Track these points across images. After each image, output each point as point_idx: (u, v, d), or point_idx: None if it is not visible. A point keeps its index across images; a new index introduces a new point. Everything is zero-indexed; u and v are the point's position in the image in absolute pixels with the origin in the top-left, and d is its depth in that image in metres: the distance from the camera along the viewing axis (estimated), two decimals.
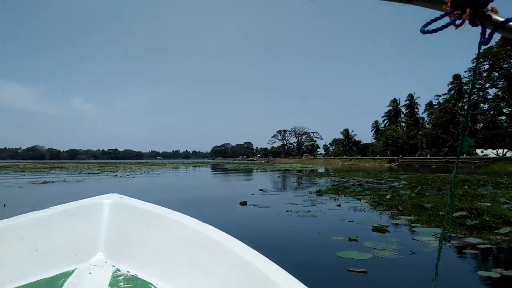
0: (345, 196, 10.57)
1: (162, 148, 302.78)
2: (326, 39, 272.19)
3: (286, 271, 1.22)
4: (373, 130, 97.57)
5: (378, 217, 6.97)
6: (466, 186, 12.16)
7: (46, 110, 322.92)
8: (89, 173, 27.70)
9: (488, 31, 0.66)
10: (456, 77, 61.31)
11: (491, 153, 60.57)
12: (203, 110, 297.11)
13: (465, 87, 51.98)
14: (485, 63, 46.92)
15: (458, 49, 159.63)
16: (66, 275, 1.60)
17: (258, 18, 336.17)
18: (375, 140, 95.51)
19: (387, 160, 55.65)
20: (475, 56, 0.75)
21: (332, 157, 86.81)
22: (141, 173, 27.79)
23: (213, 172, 32.09)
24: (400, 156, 57.49)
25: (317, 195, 11.03)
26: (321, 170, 35.79)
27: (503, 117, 59.04)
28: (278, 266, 1.27)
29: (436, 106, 70.15)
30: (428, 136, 67.07)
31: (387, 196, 9.64)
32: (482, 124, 65.76)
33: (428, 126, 73.19)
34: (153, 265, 1.69)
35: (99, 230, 1.92)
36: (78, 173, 27.84)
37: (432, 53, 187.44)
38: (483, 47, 0.63)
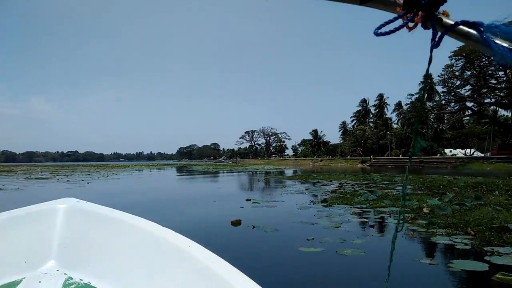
0: (361, 208, 8.04)
1: (125, 150, 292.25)
2: (294, 40, 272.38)
3: (249, 277, 1.19)
4: (341, 131, 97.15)
5: (462, 252, 4.40)
6: (497, 193, 10.06)
7: (3, 110, 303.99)
8: (37, 178, 23.91)
9: (439, 34, 0.66)
10: (427, 76, 61.26)
11: (459, 153, 60.90)
12: (168, 111, 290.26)
13: (443, 87, 51.07)
14: (459, 62, 46.38)
15: (428, 50, 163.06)
16: (12, 285, 1.55)
17: (225, 18, 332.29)
18: (342, 141, 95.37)
19: (359, 161, 54.38)
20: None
21: (302, 157, 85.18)
22: (98, 177, 24.37)
23: (181, 176, 28.97)
24: (372, 156, 56.37)
25: (324, 206, 8.52)
26: (291, 171, 33.64)
27: (467, 118, 59.55)
28: (239, 271, 1.24)
29: (407, 105, 70.02)
30: (397, 136, 66.82)
31: (425, 210, 7.21)
32: (449, 125, 66.43)
33: (397, 126, 73.06)
34: (108, 272, 1.64)
35: (51, 237, 1.86)
36: (25, 178, 24.02)
37: (402, 54, 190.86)
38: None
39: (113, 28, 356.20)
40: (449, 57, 45.90)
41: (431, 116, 58.65)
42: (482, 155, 55.16)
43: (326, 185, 15.28)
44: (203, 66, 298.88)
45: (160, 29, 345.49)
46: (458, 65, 46.34)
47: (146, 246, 1.63)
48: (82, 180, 21.04)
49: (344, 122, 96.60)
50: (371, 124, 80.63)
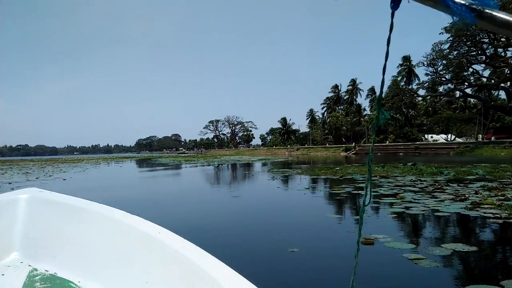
0: None
1: (80, 142, 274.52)
2: (261, 25, 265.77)
3: (220, 260, 1.18)
4: (309, 119, 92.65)
5: None
6: None
7: None
8: None
9: None
10: (406, 58, 57.18)
11: (441, 138, 57.68)
12: (125, 101, 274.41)
13: (427, 67, 46.67)
14: (447, 40, 42.20)
15: (407, 32, 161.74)
16: None
17: (187, 5, 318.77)
18: (309, 129, 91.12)
19: (341, 149, 49.45)
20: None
21: (275, 147, 79.51)
22: (37, 178, 17.06)
23: (151, 173, 22.07)
24: (355, 143, 51.62)
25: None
26: (278, 162, 27.86)
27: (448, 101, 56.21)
28: (210, 255, 1.23)
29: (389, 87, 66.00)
30: (374, 122, 62.63)
31: None
32: (422, 111, 63.30)
33: (372, 112, 68.96)
34: (75, 262, 1.62)
35: (13, 228, 1.82)
36: None
37: (376, 38, 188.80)
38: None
39: (62, 14, 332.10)
40: (439, 33, 41.60)
41: (419, 100, 54.39)
42: (461, 140, 52.40)
43: (351, 179, 9.45)
44: (161, 55, 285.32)
45: (114, 13, 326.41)
46: (447, 43, 42.23)
47: (113, 234, 1.59)
48: (10, 183, 13.90)
49: (311, 110, 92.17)
50: (342, 111, 76.18)
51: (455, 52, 43.33)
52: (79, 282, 1.50)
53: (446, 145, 38.11)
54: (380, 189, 8.54)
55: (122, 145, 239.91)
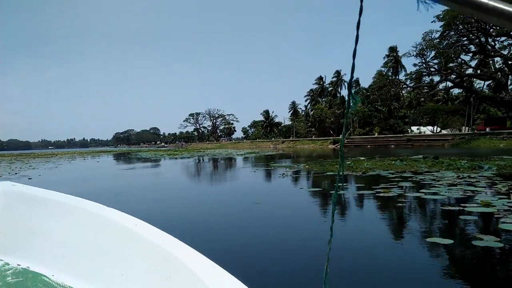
0: None
1: (54, 137, 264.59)
2: (243, 17, 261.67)
3: (199, 251, 1.17)
4: (291, 111, 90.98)
5: None
6: None
7: None
8: None
9: None
10: (392, 49, 55.91)
11: (427, 130, 56.94)
12: (102, 94, 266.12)
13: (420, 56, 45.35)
14: (438, 30, 40.95)
15: (391, 24, 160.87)
16: None
17: None
18: (291, 122, 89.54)
19: (330, 141, 47.83)
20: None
21: (258, 140, 77.45)
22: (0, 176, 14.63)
23: (132, 170, 19.63)
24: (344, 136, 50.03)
25: None
26: (255, 156, 25.89)
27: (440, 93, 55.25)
28: (187, 245, 1.22)
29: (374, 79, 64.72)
30: (359, 115, 61.42)
31: None
32: (406, 103, 62.52)
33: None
34: (49, 256, 1.59)
35: None
36: None
37: (364, 30, 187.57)
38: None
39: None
40: (432, 21, 40.26)
41: (409, 91, 53.08)
42: (446, 132, 51.77)
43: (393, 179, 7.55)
44: (139, 48, 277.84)
45: (93, 4, 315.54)
46: (437, 32, 41.02)
47: (88, 227, 1.56)
48: None
49: (293, 102, 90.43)
50: (326, 104, 74.60)
51: (445, 42, 42.19)
52: (52, 275, 1.47)
53: (439, 137, 36.97)
54: (452, 191, 6.59)
55: (99, 139, 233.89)
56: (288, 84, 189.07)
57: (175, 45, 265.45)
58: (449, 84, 46.63)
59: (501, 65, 37.77)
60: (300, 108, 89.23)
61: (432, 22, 39.82)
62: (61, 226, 1.66)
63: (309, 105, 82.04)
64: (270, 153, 32.79)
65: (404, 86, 49.97)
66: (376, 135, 48.93)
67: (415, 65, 48.39)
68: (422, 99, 62.82)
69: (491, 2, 0.41)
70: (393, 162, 13.91)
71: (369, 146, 41.15)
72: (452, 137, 34.76)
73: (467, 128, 50.46)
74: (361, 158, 17.89)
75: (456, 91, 68.78)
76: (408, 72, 50.31)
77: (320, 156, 24.27)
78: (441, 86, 47.81)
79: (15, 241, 1.71)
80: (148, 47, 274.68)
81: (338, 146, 34.52)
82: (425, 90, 50.72)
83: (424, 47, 43.89)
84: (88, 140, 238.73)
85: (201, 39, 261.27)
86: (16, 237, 1.73)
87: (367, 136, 47.62)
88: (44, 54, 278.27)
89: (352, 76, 0.64)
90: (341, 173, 0.68)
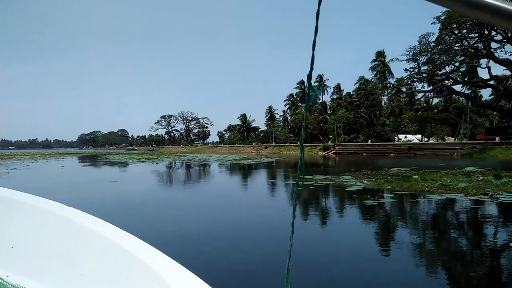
0: None
1: (15, 136, 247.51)
2: (217, 20, 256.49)
3: (159, 249, 1.14)
4: (267, 116, 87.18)
5: None
6: None
7: None
8: None
9: None
10: (380, 54, 53.20)
11: (415, 138, 54.54)
12: (67, 93, 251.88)
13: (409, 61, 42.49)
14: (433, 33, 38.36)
15: (379, 28, 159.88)
16: None
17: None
18: (266, 127, 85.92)
19: (319, 148, 44.11)
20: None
21: (237, 144, 72.79)
22: None
23: (123, 178, 14.82)
24: (335, 142, 46.52)
25: None
26: (252, 164, 21.74)
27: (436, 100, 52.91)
28: (149, 245, 1.19)
29: (357, 86, 61.94)
30: (344, 121, 58.32)
31: None
32: (389, 110, 60.15)
33: (341, 110, 64.54)
34: (2, 256, 1.52)
35: None
36: None
37: (344, 32, 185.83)
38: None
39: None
40: (432, 23, 37.56)
41: (403, 97, 50.19)
42: (433, 141, 49.56)
43: None
44: (107, 45, 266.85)
45: (63, 1, 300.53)
46: (434, 36, 38.51)
47: (47, 226, 1.50)
48: None
49: (270, 107, 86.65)
50: (303, 109, 71.33)
51: (439, 47, 39.68)
52: (7, 277, 1.40)
53: (446, 146, 33.78)
54: None
55: (63, 140, 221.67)
56: (264, 89, 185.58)
57: (146, 45, 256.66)
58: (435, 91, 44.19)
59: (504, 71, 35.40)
60: (277, 113, 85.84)
61: (432, 23, 37.03)
62: (15, 225, 1.59)
63: (288, 110, 78.65)
64: (265, 160, 28.46)
65: (395, 91, 47.02)
66: (369, 142, 45.67)
67: (406, 70, 45.80)
68: (404, 107, 60.84)
69: None
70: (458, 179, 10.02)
71: (364, 154, 37.77)
72: (460, 146, 31.69)
73: (458, 137, 48.46)
74: (389, 170, 13.95)
75: (435, 100, 67.84)
76: (399, 77, 47.61)
77: (321, 164, 20.22)
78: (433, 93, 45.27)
79: None
80: (117, 47, 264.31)
81: (329, 153, 30.61)
82: (419, 96, 48.08)
83: (418, 51, 41.26)
84: (52, 140, 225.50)
85: (174, 40, 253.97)
86: None
87: (362, 143, 44.32)
88: (5, 50, 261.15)
89: (311, 68, 0.61)
90: (300, 173, 0.67)
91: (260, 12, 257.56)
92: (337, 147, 41.97)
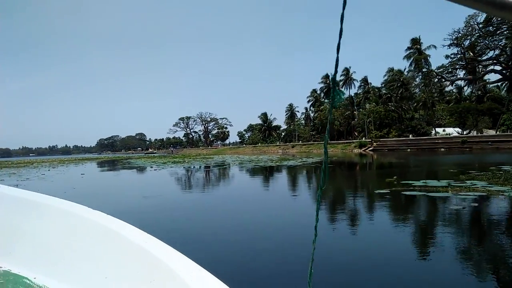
0: None
1: (36, 143, 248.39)
2: (235, 22, 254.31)
3: (181, 252, 1.15)
4: (288, 114, 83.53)
5: None
6: None
7: None
8: None
9: None
10: (415, 41, 48.96)
11: (454, 132, 50.20)
12: (85, 100, 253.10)
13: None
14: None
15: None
16: None
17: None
18: (286, 125, 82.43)
19: (354, 145, 40.47)
20: None
21: (260, 144, 69.56)
22: None
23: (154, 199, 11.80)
24: (372, 138, 42.73)
25: None
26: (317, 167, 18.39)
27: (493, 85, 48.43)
28: (172, 248, 1.20)
29: (385, 78, 57.78)
30: (375, 115, 54.30)
31: None
32: (421, 102, 55.82)
33: (369, 104, 60.47)
34: (31, 258, 1.55)
35: None
36: None
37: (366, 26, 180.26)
38: None
39: (16, 3, 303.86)
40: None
41: (442, 83, 45.95)
42: (473, 134, 45.32)
43: None
44: (123, 51, 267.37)
45: (73, 8, 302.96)
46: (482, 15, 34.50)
47: (72, 229, 1.53)
48: None
49: (291, 105, 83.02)
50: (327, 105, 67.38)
51: (487, 29, 35.58)
52: (34, 278, 1.43)
53: (509, 138, 29.33)
54: None
55: (82, 146, 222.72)
56: (284, 87, 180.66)
57: (163, 49, 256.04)
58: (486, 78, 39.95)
59: None
60: (298, 111, 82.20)
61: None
62: (44, 228, 1.61)
63: (311, 106, 74.89)
64: (309, 160, 25.11)
65: (439, 79, 42.93)
66: (410, 137, 41.73)
67: (447, 56, 41.77)
68: (436, 99, 56.37)
69: None
70: None
71: (409, 150, 34.05)
72: None
73: (501, 129, 44.03)
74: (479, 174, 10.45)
75: (467, 91, 63.01)
76: (436, 66, 43.51)
77: (382, 165, 16.88)
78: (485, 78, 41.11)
79: None
80: (134, 52, 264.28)
81: (367, 150, 26.84)
82: (451, 87, 43.99)
83: (463, 34, 37.24)
84: (71, 147, 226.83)
85: (191, 43, 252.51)
86: None
87: (404, 138, 40.44)
88: (26, 60, 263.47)
89: (336, 71, 0.60)
90: (325, 173, 0.65)
91: (281, 10, 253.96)
92: (374, 143, 38.20)
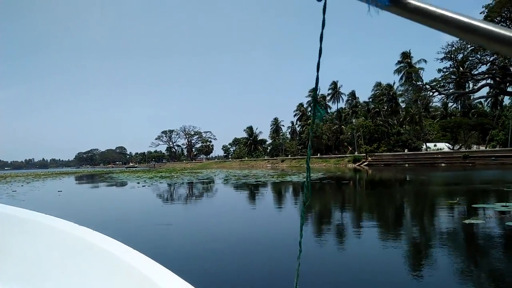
0: None
1: (11, 157, 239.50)
2: (219, 30, 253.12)
3: (168, 269, 1.12)
4: (273, 128, 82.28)
5: None
6: None
7: None
8: None
9: None
10: (405, 55, 48.56)
11: (445, 147, 49.62)
12: (62, 112, 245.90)
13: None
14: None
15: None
16: None
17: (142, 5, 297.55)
18: (271, 139, 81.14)
19: (347, 159, 39.09)
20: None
21: (247, 158, 67.57)
22: None
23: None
24: (367, 153, 41.45)
25: None
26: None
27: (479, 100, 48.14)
28: (157, 263, 1.17)
29: (374, 91, 57.23)
30: (364, 129, 53.36)
31: None
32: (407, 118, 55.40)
33: (356, 118, 59.63)
34: (15, 275, 1.53)
35: None
36: None
37: (355, 39, 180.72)
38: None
39: None
40: (480, 12, 32.98)
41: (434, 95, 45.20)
42: (463, 149, 44.80)
43: None
44: (102, 62, 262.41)
45: (52, 17, 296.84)
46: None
47: (58, 245, 1.51)
48: None
49: (276, 119, 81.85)
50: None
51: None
52: None
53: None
54: None
55: (60, 160, 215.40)
56: (268, 102, 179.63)
57: (144, 61, 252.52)
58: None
59: None
60: (283, 125, 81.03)
61: (480, 13, 32.48)
62: (28, 245, 1.60)
63: (298, 120, 73.75)
64: (317, 175, 23.32)
65: (432, 93, 42.32)
66: (406, 151, 40.67)
67: (439, 70, 41.24)
68: (424, 113, 55.98)
69: (438, 10, 0.40)
70: None
71: (406, 165, 32.77)
72: None
73: (491, 144, 43.64)
74: None
75: (453, 106, 63.15)
76: (434, 78, 42.91)
77: (373, 181, 15.29)
78: (478, 93, 40.67)
79: None
80: (113, 63, 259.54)
81: (361, 165, 24.86)
82: (435, 101, 43.63)
83: (456, 48, 36.77)
84: (48, 160, 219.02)
85: (173, 54, 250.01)
86: None
87: (400, 153, 39.33)
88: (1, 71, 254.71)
89: (316, 89, 0.60)
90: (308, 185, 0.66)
91: (267, 21, 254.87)
92: (369, 158, 36.88)
